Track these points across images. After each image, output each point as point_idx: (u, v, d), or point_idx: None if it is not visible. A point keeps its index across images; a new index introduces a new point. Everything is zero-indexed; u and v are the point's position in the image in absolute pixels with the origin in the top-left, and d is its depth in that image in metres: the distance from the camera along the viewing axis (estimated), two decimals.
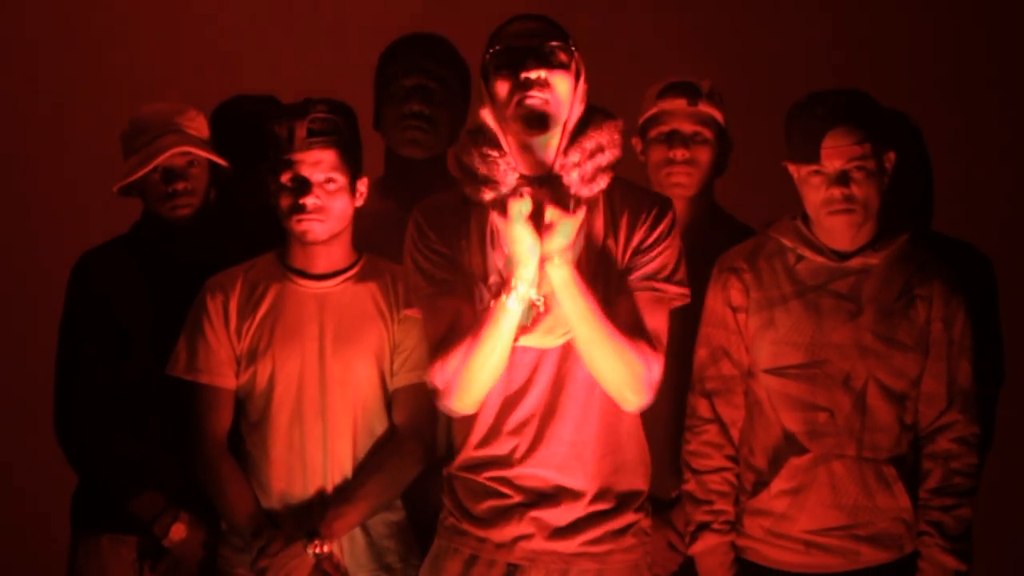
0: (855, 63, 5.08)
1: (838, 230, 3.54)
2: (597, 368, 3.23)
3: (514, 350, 3.26)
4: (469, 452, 3.35)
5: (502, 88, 3.23)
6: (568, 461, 3.30)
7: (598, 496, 3.32)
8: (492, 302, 3.17)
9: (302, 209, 3.54)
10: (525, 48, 3.21)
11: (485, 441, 3.32)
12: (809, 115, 3.52)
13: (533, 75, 3.20)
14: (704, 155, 3.93)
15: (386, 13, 5.12)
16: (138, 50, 5.34)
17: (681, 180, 3.92)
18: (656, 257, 3.31)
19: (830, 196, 3.50)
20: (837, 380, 3.53)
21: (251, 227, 3.95)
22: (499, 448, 3.31)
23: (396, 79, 4.03)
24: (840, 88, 3.57)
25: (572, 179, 3.27)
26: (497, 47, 3.23)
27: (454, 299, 3.29)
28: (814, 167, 3.50)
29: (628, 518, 3.35)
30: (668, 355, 3.31)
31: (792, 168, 3.58)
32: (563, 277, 3.16)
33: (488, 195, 3.27)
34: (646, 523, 3.40)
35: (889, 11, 5.31)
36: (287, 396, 3.58)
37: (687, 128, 3.92)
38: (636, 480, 3.38)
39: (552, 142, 3.27)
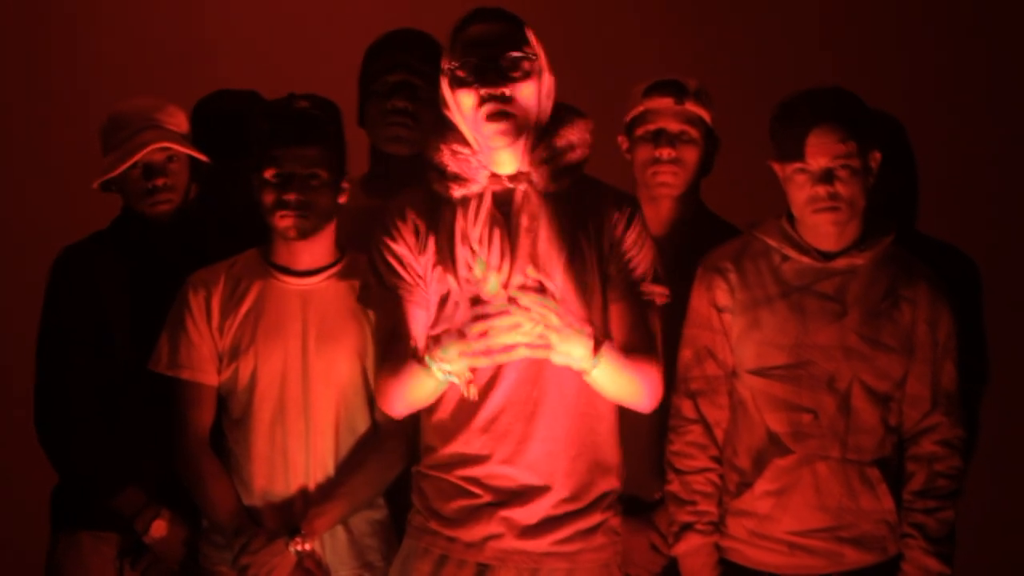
0: (841, 62, 5.07)
1: (823, 228, 3.54)
2: (616, 396, 3.32)
3: None
4: (438, 450, 3.35)
5: (466, 101, 3.24)
6: (539, 460, 3.29)
7: (569, 496, 3.31)
8: (417, 355, 3.21)
9: (285, 205, 3.53)
10: (484, 64, 3.20)
11: (454, 439, 3.32)
12: (794, 113, 3.52)
13: (496, 92, 3.20)
14: (690, 154, 3.92)
15: (371, 9, 5.10)
16: (119, 43, 5.30)
17: (667, 179, 3.90)
18: (640, 262, 3.35)
19: (815, 194, 3.50)
20: (821, 381, 3.52)
21: (232, 222, 3.93)
22: (468, 446, 3.31)
23: (380, 76, 4.01)
24: (825, 86, 3.57)
25: (542, 175, 3.29)
26: (456, 63, 3.23)
27: (402, 306, 3.33)
28: (799, 165, 3.50)
29: (598, 517, 3.35)
30: None
31: (777, 167, 3.58)
32: (606, 376, 3.22)
33: (458, 192, 3.28)
34: (615, 522, 3.40)
35: (876, 10, 5.31)
36: (269, 393, 3.57)
37: (673, 127, 3.91)
38: (608, 479, 3.38)
39: (521, 140, 3.28)
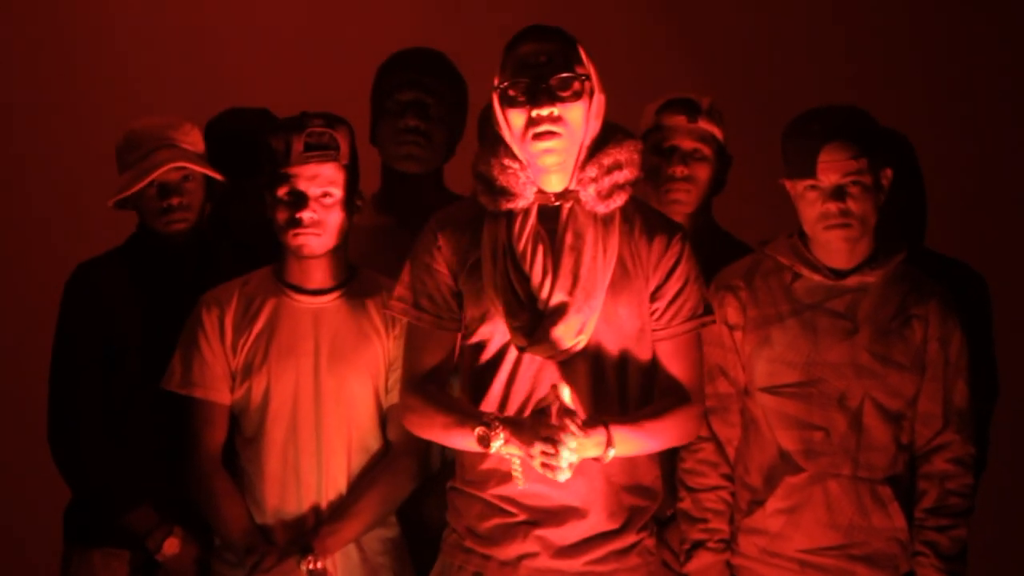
0: (852, 80, 5.10)
1: (834, 245, 3.54)
2: (644, 454, 3.35)
3: (518, 360, 3.28)
4: (473, 467, 3.35)
5: (516, 119, 3.24)
6: (574, 478, 3.26)
7: (603, 515, 3.31)
8: (479, 432, 3.20)
9: (298, 223, 3.53)
10: (535, 84, 3.20)
11: (487, 457, 3.31)
12: (805, 131, 3.53)
13: (545, 112, 3.20)
14: (703, 172, 3.93)
15: (383, 27, 5.11)
16: (134, 62, 5.34)
17: (680, 197, 3.92)
18: (690, 296, 3.35)
19: (826, 211, 3.50)
20: (833, 399, 3.52)
21: (246, 241, 3.94)
22: (502, 465, 3.30)
23: (392, 94, 4.03)
24: (837, 104, 3.57)
25: (589, 194, 3.28)
26: (507, 82, 3.22)
27: (437, 332, 3.35)
28: (810, 182, 3.50)
29: (632, 537, 3.35)
30: None
31: (789, 185, 3.58)
32: (621, 452, 3.24)
33: (504, 206, 3.28)
34: (651, 542, 3.40)
35: (885, 29, 5.33)
36: (282, 412, 3.57)
37: (686, 145, 3.92)
38: (643, 499, 3.38)
39: (569, 160, 3.27)
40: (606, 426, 3.19)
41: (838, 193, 3.48)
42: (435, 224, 3.38)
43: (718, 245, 3.94)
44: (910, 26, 5.34)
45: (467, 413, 3.27)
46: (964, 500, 3.54)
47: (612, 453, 3.20)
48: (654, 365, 3.35)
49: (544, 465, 3.13)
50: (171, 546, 3.69)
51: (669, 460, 3.66)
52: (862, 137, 3.50)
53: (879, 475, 3.53)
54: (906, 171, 3.87)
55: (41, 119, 5.38)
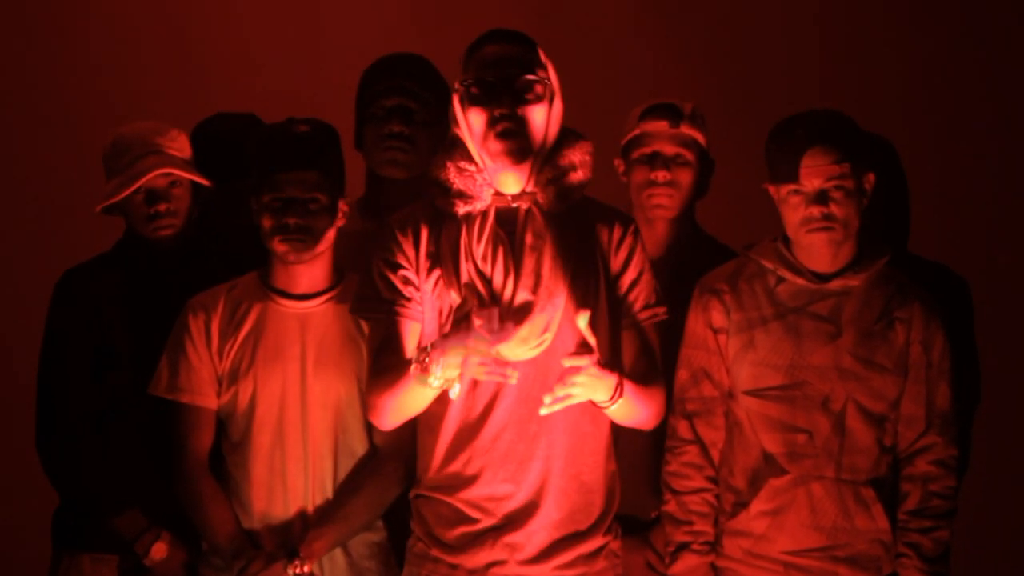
0: (835, 85, 5.11)
1: (817, 248, 3.55)
2: (626, 422, 3.38)
3: None
4: (436, 471, 3.36)
5: (476, 119, 3.26)
6: (541, 481, 3.30)
7: (569, 518, 3.33)
8: (414, 367, 3.20)
9: (284, 229, 3.54)
10: (498, 84, 3.23)
11: (453, 460, 3.33)
12: (788, 135, 3.54)
13: (507, 111, 3.23)
14: (685, 177, 3.94)
15: (368, 33, 5.12)
16: (122, 67, 5.33)
17: (663, 202, 3.93)
18: (644, 287, 3.39)
19: (809, 215, 3.51)
20: (816, 402, 3.54)
21: (232, 246, 3.94)
22: (467, 467, 3.32)
23: (377, 99, 4.03)
24: (820, 109, 3.59)
25: (546, 195, 3.32)
26: (470, 81, 3.25)
27: (400, 322, 3.34)
28: (793, 187, 3.52)
29: (599, 541, 3.37)
30: None
31: (772, 189, 3.59)
32: (622, 408, 3.28)
33: (461, 209, 3.30)
34: (616, 545, 3.43)
35: (869, 34, 5.35)
36: (268, 416, 3.58)
37: (669, 150, 3.93)
38: (607, 500, 3.40)
39: (527, 161, 3.30)
40: (621, 377, 3.24)
41: (821, 197, 3.50)
42: (393, 225, 3.39)
43: (701, 250, 3.95)
44: (893, 30, 5.36)
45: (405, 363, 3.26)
46: (947, 502, 3.56)
47: (618, 404, 3.25)
48: (616, 359, 3.37)
49: (485, 369, 3.12)
50: (159, 551, 3.70)
51: (654, 463, 3.68)
52: (845, 142, 3.51)
53: (862, 477, 3.54)
54: (889, 176, 3.88)
55: (28, 125, 5.38)
